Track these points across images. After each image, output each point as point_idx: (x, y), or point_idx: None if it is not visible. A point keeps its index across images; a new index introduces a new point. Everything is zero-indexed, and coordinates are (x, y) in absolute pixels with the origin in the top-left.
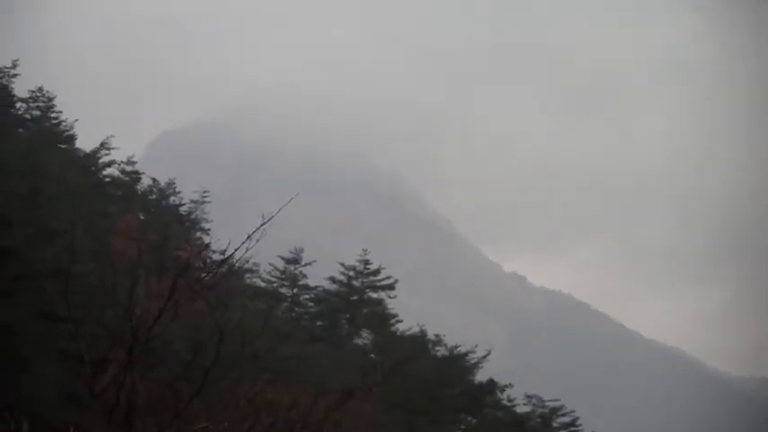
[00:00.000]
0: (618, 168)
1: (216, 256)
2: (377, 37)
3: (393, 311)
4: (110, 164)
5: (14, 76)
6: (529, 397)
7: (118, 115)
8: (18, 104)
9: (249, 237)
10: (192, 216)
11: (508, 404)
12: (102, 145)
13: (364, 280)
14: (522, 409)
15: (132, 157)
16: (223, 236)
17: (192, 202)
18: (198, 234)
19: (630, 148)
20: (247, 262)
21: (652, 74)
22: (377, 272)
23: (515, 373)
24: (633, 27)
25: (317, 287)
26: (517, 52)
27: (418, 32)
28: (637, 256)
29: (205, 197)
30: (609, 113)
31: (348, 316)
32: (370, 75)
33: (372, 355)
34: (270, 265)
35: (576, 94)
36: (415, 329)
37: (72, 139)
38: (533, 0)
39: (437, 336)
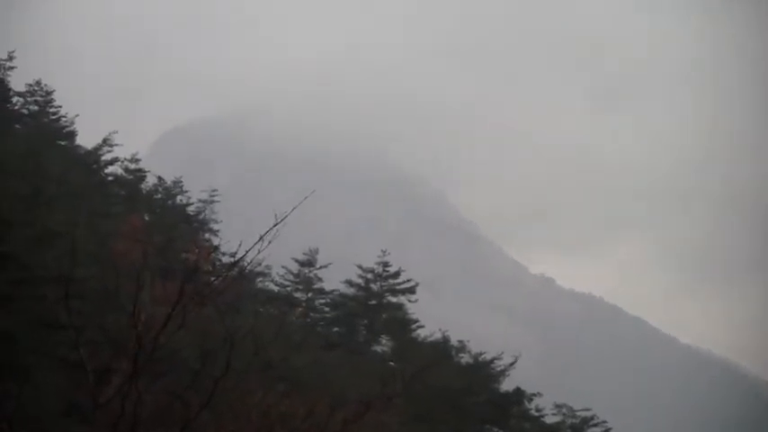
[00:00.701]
0: (650, 167)
1: (226, 259)
2: (395, 32)
3: (414, 316)
4: (112, 162)
5: (11, 68)
6: (558, 406)
7: (120, 113)
8: (15, 99)
9: (261, 238)
10: (200, 216)
11: (536, 414)
12: (105, 142)
13: (383, 283)
14: (551, 419)
15: (136, 154)
16: (233, 237)
17: (200, 201)
18: (206, 235)
19: (663, 146)
20: (259, 265)
21: (683, 72)
22: (396, 274)
23: (544, 382)
24: (663, 26)
25: (332, 291)
26: (543, 49)
27: (440, 28)
28: (672, 258)
29: (214, 196)
30: (638, 111)
31: (366, 321)
32: (388, 71)
33: (392, 363)
34: (283, 268)
35: (605, 91)
36: (438, 335)
37: (72, 135)
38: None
39: (461, 342)
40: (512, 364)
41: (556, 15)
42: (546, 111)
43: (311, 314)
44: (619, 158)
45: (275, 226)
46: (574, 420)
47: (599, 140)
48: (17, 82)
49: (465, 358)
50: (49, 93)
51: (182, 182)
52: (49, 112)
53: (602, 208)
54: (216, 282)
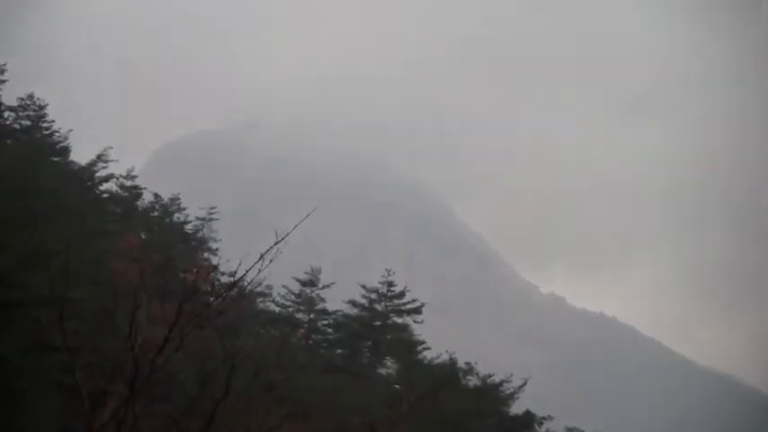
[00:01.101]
0: (669, 182)
1: (225, 279)
2: (400, 43)
3: (420, 338)
4: (107, 178)
5: (2, 82)
6: (570, 430)
7: (116, 125)
8: (6, 113)
9: (262, 257)
10: (199, 234)
11: None
12: (99, 157)
13: (388, 303)
14: None
15: (132, 170)
16: (233, 256)
17: (199, 219)
18: (205, 254)
19: (682, 161)
20: (260, 285)
21: (705, 84)
22: (402, 294)
23: (555, 404)
24: (682, 38)
25: (335, 312)
26: (557, 61)
27: (447, 38)
28: (690, 278)
29: (212, 214)
30: (657, 124)
31: (370, 343)
32: (393, 85)
33: (397, 386)
34: (284, 287)
35: (624, 104)
36: (444, 357)
37: (66, 151)
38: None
39: (468, 364)
40: (521, 386)
41: (569, 25)
42: (559, 125)
43: (313, 335)
44: (636, 175)
45: (276, 244)
46: None
47: (615, 156)
48: (9, 96)
49: (473, 381)
50: (41, 107)
51: (179, 199)
52: (41, 127)
53: (617, 226)
54: (215, 302)
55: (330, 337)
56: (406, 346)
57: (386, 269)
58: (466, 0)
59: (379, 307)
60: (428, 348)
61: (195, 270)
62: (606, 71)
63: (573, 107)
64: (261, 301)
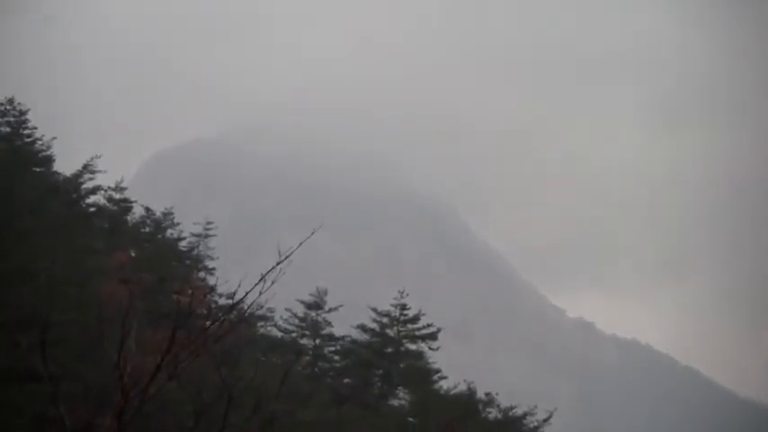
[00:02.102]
0: (707, 199)
1: (223, 301)
2: (417, 47)
3: (435, 366)
4: (95, 190)
5: None
6: None
7: (104, 132)
8: None
9: (263, 277)
10: (194, 252)
11: None
12: (86, 167)
13: (401, 328)
14: None
15: (121, 181)
16: (231, 276)
17: (194, 235)
18: (201, 274)
19: (721, 175)
20: (261, 308)
21: (746, 92)
22: (416, 318)
23: None
24: (721, 43)
25: (343, 337)
26: (587, 67)
27: (468, 42)
28: (731, 302)
29: (209, 229)
30: (693, 134)
31: (381, 372)
32: (407, 89)
33: (411, 419)
34: (287, 311)
35: (658, 113)
36: (462, 387)
37: (49, 160)
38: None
39: (488, 394)
40: (546, 419)
41: (594, 29)
42: (589, 135)
43: (319, 363)
44: (672, 189)
45: (279, 263)
46: None
47: (649, 168)
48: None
49: (493, 413)
50: (23, 113)
51: (172, 213)
52: (22, 135)
53: (652, 244)
54: (212, 327)
55: (337, 365)
56: (421, 375)
57: (398, 290)
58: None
59: (390, 332)
60: (444, 377)
61: (190, 291)
62: (642, 75)
63: (602, 115)
64: (262, 326)
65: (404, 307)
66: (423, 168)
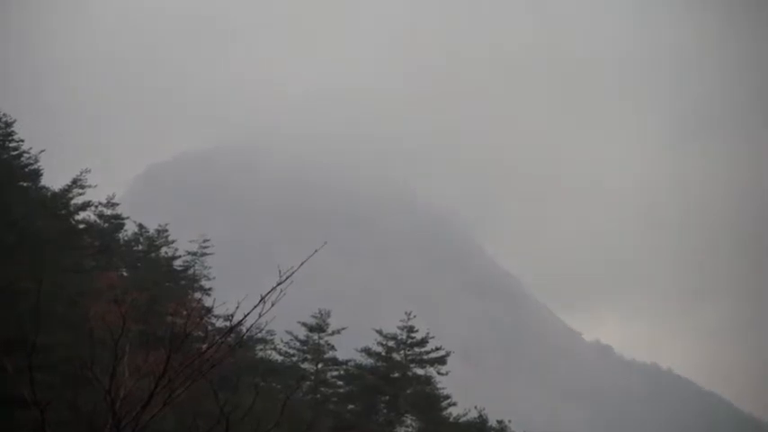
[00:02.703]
0: (726, 218)
1: (220, 323)
2: (422, 61)
3: (445, 391)
4: (84, 206)
5: None
6: None
7: (95, 145)
8: None
9: (263, 299)
10: (190, 272)
11: None
12: (75, 182)
13: (408, 352)
14: None
15: (113, 197)
16: (229, 297)
17: (190, 253)
18: (197, 294)
19: (746, 196)
20: (260, 330)
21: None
22: (424, 341)
23: None
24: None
25: (347, 361)
26: (603, 82)
27: (478, 55)
28: (754, 325)
29: (205, 247)
30: (715, 147)
31: (387, 398)
32: (411, 102)
33: None
34: (288, 333)
35: (678, 128)
36: (473, 414)
37: (36, 174)
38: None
39: (500, 422)
40: None
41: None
42: (608, 152)
43: (321, 389)
44: (693, 210)
45: (279, 284)
46: None
47: (669, 188)
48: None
49: None
50: (8, 124)
51: (167, 230)
52: (8, 147)
53: (673, 264)
54: (208, 351)
55: (341, 390)
56: (429, 401)
57: (405, 312)
58: (497, 11)
59: (397, 356)
60: (454, 404)
61: (185, 313)
62: (664, 91)
63: (621, 133)
64: (261, 350)
65: (411, 329)
66: (430, 185)
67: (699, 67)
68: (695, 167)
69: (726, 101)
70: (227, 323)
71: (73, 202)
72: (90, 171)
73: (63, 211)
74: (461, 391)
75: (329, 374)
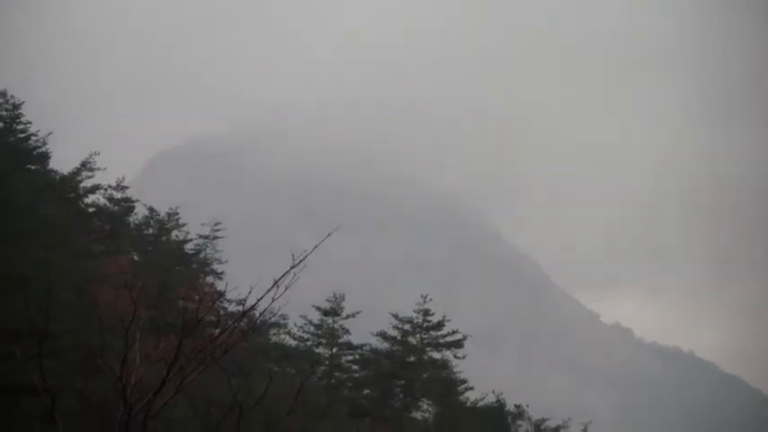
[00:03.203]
0: (753, 195)
1: (233, 308)
2: (445, 45)
3: (461, 376)
4: (93, 189)
5: None
6: None
7: (105, 127)
8: None
9: (276, 283)
10: (201, 255)
11: None
12: (84, 165)
13: (424, 336)
14: None
15: (123, 180)
16: (241, 281)
17: (201, 237)
18: (209, 279)
19: None
20: (273, 315)
21: None
22: (440, 325)
23: None
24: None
25: (362, 346)
26: (627, 60)
27: (498, 35)
28: None
29: (217, 230)
30: (746, 130)
31: (403, 382)
32: (428, 85)
33: None
34: (302, 317)
35: (705, 107)
36: (491, 398)
37: (45, 157)
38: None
39: (518, 406)
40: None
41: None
42: (629, 128)
43: (336, 374)
44: (714, 187)
45: (293, 268)
46: None
47: (690, 163)
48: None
49: (524, 426)
50: (16, 106)
51: (178, 213)
52: (16, 130)
53: (699, 242)
54: (221, 336)
55: (356, 375)
56: (446, 385)
57: (421, 295)
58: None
59: (413, 340)
60: (471, 388)
61: (197, 298)
62: (688, 69)
63: (645, 109)
64: (275, 334)
65: (427, 313)
66: (445, 166)
67: (725, 48)
68: (721, 147)
69: (757, 81)
70: (240, 308)
71: (82, 185)
72: (99, 154)
73: (72, 195)
74: (478, 375)
75: (344, 359)
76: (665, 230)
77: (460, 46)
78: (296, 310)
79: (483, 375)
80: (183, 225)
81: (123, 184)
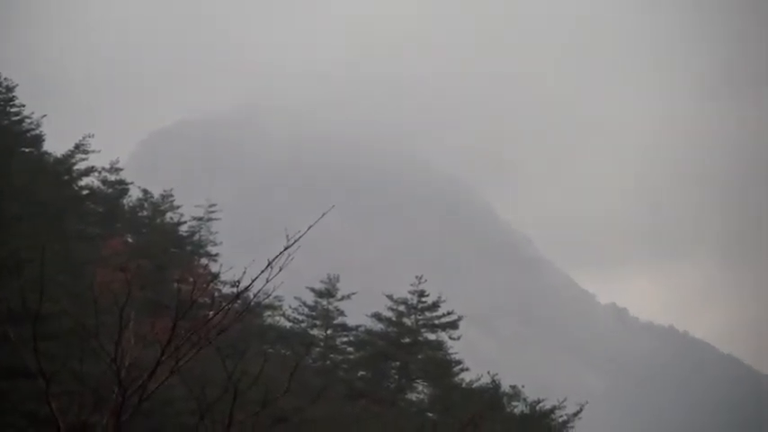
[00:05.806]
0: (761, 171)
1: (227, 289)
2: (443, 25)
3: (457, 357)
4: (87, 172)
5: None
6: None
7: (98, 109)
8: None
9: (270, 264)
10: (196, 237)
11: None
12: (78, 147)
13: (419, 317)
14: None
15: (117, 162)
16: (236, 263)
17: (196, 219)
18: (203, 260)
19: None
20: (268, 296)
21: None
22: (435, 306)
23: None
24: None
25: (357, 327)
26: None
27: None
28: None
29: (212, 212)
30: (754, 101)
31: (398, 364)
32: (423, 65)
33: (430, 414)
34: (297, 299)
35: (711, 78)
36: (486, 379)
37: (38, 140)
38: None
39: (514, 387)
40: (577, 413)
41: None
42: (618, 99)
43: (331, 355)
44: (711, 165)
45: (287, 248)
46: None
47: (685, 142)
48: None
49: (519, 407)
50: (9, 89)
51: (172, 195)
52: (9, 113)
53: (692, 220)
54: (215, 318)
55: (351, 356)
56: (441, 366)
57: (416, 276)
58: None
59: (408, 321)
60: (466, 369)
61: (192, 279)
62: (689, 48)
63: (646, 79)
64: (269, 316)
65: (422, 294)
66: (439, 144)
67: (744, 22)
68: (729, 119)
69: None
70: (234, 289)
71: (76, 167)
72: (93, 136)
73: (66, 177)
74: (473, 356)
75: (339, 340)
76: (666, 210)
77: (458, 19)
78: (290, 292)
79: (476, 355)
80: (178, 207)
81: (117, 166)
